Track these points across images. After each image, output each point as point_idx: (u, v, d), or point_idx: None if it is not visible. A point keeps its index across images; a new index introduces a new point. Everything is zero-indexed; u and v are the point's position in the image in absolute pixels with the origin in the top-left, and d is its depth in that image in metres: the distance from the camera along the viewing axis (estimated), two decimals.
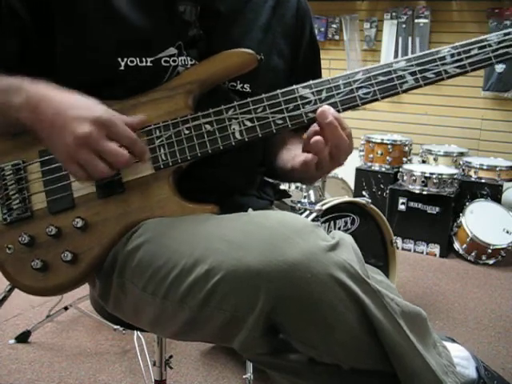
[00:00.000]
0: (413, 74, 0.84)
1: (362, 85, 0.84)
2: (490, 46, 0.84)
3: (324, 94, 0.84)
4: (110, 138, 0.75)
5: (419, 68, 0.84)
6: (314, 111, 0.83)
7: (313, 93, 0.84)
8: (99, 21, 0.83)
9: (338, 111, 0.84)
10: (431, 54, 0.84)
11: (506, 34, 0.84)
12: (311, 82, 0.84)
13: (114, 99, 0.84)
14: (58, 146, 0.76)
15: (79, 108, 0.75)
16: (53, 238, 0.81)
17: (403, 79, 0.84)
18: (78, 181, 0.80)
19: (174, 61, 0.86)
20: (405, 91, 0.85)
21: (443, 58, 0.84)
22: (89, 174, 0.76)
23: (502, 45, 0.84)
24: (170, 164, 0.83)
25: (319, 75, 1.07)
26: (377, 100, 0.84)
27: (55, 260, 0.81)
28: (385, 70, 0.84)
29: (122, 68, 0.83)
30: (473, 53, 0.84)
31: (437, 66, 0.84)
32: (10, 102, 0.78)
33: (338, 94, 0.84)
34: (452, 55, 0.84)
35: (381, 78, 0.84)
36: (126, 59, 0.83)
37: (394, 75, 0.84)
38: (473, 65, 0.84)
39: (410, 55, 0.85)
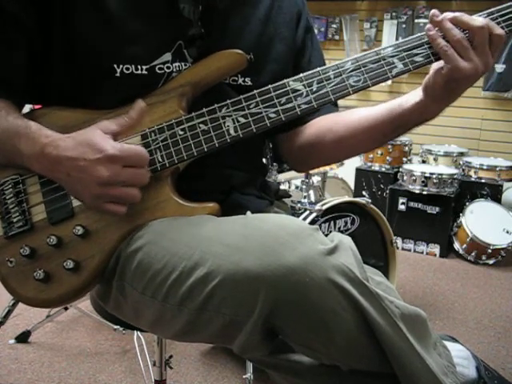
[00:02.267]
0: (401, 58, 0.84)
1: (352, 73, 0.84)
2: None
3: (315, 86, 0.84)
4: (125, 166, 0.77)
5: (407, 53, 0.84)
6: (307, 102, 0.84)
7: (304, 85, 0.84)
8: (97, 27, 0.83)
9: (331, 100, 0.84)
10: (418, 39, 0.84)
11: (488, 14, 0.85)
12: (301, 75, 0.85)
13: (109, 105, 0.84)
14: (83, 193, 0.78)
15: (88, 152, 0.76)
16: (54, 247, 0.81)
17: (392, 64, 0.84)
18: (120, 214, 0.79)
19: (169, 67, 0.86)
20: (395, 76, 0.85)
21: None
22: (124, 204, 0.79)
23: None
24: (167, 165, 0.83)
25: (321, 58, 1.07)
26: (368, 86, 0.84)
27: (58, 269, 0.81)
28: (373, 58, 0.85)
29: (118, 75, 0.83)
30: None
31: (425, 49, 0.84)
32: (19, 148, 0.80)
33: (328, 84, 0.84)
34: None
35: (370, 66, 0.84)
36: (121, 66, 0.83)
37: (382, 61, 0.84)
38: None
39: (397, 41, 0.86)
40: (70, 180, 0.78)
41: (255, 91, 0.84)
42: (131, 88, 0.84)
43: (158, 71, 0.86)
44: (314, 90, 0.84)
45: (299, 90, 0.84)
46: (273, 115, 0.83)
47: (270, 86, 0.84)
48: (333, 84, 0.84)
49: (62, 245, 0.81)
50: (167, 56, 0.86)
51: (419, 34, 0.85)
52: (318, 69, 0.85)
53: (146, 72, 0.85)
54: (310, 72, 0.85)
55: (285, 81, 0.85)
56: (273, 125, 0.84)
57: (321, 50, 1.07)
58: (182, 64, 0.88)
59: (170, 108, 0.84)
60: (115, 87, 0.84)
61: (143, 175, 0.79)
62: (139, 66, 0.84)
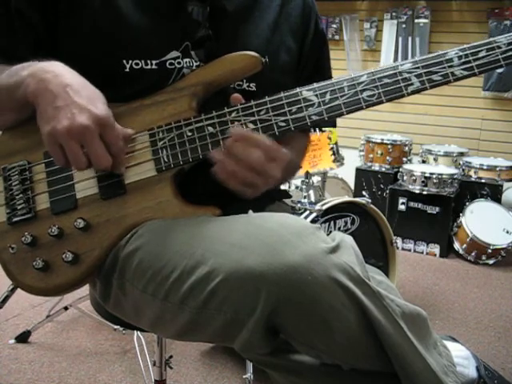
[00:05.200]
0: (419, 76, 0.82)
1: (367, 87, 0.82)
2: (498, 47, 0.82)
3: (328, 97, 0.83)
4: (101, 137, 0.75)
5: (425, 70, 0.82)
6: (318, 114, 0.82)
7: (316, 95, 0.83)
8: (105, 22, 0.83)
9: (342, 114, 0.83)
10: (438, 57, 0.82)
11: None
12: (315, 84, 0.84)
13: (119, 101, 0.84)
14: (50, 123, 0.74)
15: (86, 98, 0.75)
16: (55, 238, 0.81)
17: (409, 81, 0.82)
18: (59, 164, 0.77)
19: (179, 63, 0.86)
20: (410, 94, 0.83)
21: (450, 60, 0.82)
22: (67, 161, 0.76)
23: (511, 46, 0.82)
24: (172, 166, 0.82)
25: (326, 71, 1.06)
26: (381, 102, 0.83)
27: (56, 260, 0.81)
28: (390, 73, 0.82)
29: (128, 70, 0.83)
30: (481, 55, 0.81)
31: (443, 68, 0.82)
32: (20, 78, 0.78)
33: (342, 96, 0.82)
34: (459, 57, 0.82)
35: (386, 81, 0.82)
36: (130, 61, 0.83)
37: (399, 77, 0.82)
38: (481, 67, 0.81)
39: (416, 57, 0.83)
40: (50, 106, 0.74)
41: (267, 98, 0.83)
42: (141, 83, 0.84)
43: (169, 66, 0.85)
44: (327, 101, 0.83)
45: (311, 100, 0.83)
46: (282, 124, 0.83)
47: (282, 93, 0.83)
48: (346, 97, 0.82)
49: (62, 236, 0.81)
50: (175, 53, 0.86)
51: (440, 52, 0.83)
52: (333, 80, 0.83)
53: (156, 67, 0.85)
54: (323, 83, 0.84)
55: (298, 90, 0.83)
56: (281, 133, 0.83)
57: (328, 62, 1.07)
58: (193, 61, 0.87)
59: (180, 107, 0.84)
60: (125, 83, 0.84)
61: (106, 161, 0.76)
62: (149, 61, 0.84)
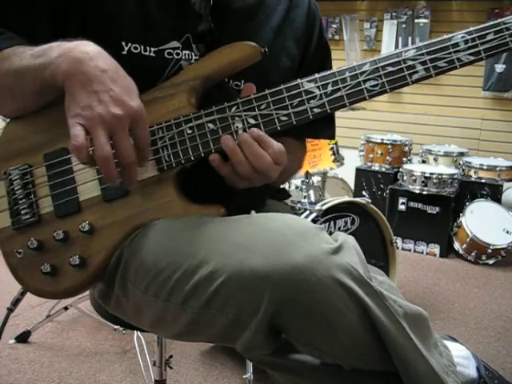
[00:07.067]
0: (423, 63, 0.78)
1: (370, 77, 0.79)
2: (507, 29, 0.78)
3: (330, 88, 0.80)
4: (130, 131, 0.72)
5: (430, 57, 0.78)
6: (320, 106, 0.80)
7: (318, 87, 0.80)
8: (109, 2, 0.82)
9: (345, 105, 0.81)
10: (443, 41, 0.79)
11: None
12: (316, 75, 0.81)
13: None
14: (82, 106, 0.70)
15: (122, 87, 0.72)
16: (60, 242, 0.81)
17: (413, 69, 0.79)
18: (71, 150, 0.70)
19: (178, 54, 0.86)
20: (414, 82, 0.80)
21: (456, 44, 0.79)
22: (86, 150, 0.69)
23: None
24: (174, 165, 0.82)
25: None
26: (385, 92, 0.80)
27: (64, 264, 0.80)
28: (394, 61, 0.79)
29: (125, 53, 0.83)
30: (488, 38, 0.78)
31: (449, 53, 0.78)
32: (48, 58, 0.74)
33: (344, 87, 0.80)
34: (466, 41, 0.78)
35: (389, 69, 0.79)
36: (130, 44, 0.83)
37: (403, 65, 0.79)
38: (488, 51, 0.78)
39: (420, 43, 0.80)
40: (84, 88, 0.70)
41: (267, 91, 0.81)
42: (136, 69, 0.82)
43: (167, 56, 0.85)
44: (329, 92, 0.80)
45: (313, 92, 0.81)
46: (284, 118, 0.80)
47: (282, 85, 0.81)
48: (348, 87, 0.80)
49: (68, 240, 0.81)
50: (175, 43, 0.86)
51: (445, 37, 0.80)
52: (334, 70, 0.81)
53: (153, 54, 0.84)
54: (325, 73, 0.81)
55: (299, 81, 0.81)
56: (283, 128, 0.81)
57: (329, 63, 1.06)
58: (192, 54, 0.87)
59: (179, 103, 0.83)
60: (121, 66, 0.83)
61: (129, 157, 0.71)
62: (148, 47, 0.84)
